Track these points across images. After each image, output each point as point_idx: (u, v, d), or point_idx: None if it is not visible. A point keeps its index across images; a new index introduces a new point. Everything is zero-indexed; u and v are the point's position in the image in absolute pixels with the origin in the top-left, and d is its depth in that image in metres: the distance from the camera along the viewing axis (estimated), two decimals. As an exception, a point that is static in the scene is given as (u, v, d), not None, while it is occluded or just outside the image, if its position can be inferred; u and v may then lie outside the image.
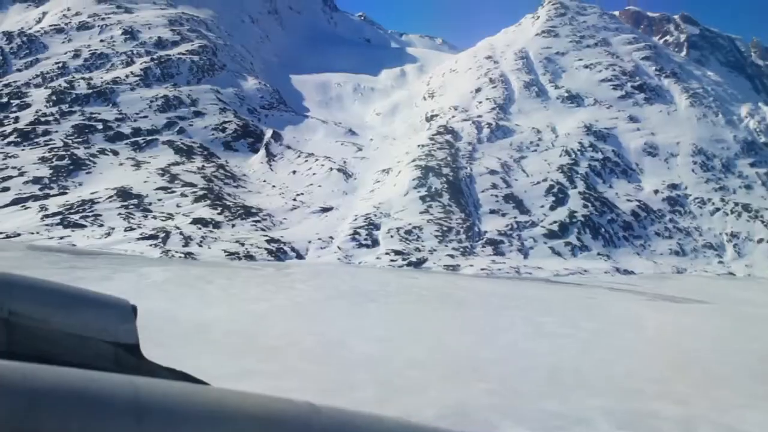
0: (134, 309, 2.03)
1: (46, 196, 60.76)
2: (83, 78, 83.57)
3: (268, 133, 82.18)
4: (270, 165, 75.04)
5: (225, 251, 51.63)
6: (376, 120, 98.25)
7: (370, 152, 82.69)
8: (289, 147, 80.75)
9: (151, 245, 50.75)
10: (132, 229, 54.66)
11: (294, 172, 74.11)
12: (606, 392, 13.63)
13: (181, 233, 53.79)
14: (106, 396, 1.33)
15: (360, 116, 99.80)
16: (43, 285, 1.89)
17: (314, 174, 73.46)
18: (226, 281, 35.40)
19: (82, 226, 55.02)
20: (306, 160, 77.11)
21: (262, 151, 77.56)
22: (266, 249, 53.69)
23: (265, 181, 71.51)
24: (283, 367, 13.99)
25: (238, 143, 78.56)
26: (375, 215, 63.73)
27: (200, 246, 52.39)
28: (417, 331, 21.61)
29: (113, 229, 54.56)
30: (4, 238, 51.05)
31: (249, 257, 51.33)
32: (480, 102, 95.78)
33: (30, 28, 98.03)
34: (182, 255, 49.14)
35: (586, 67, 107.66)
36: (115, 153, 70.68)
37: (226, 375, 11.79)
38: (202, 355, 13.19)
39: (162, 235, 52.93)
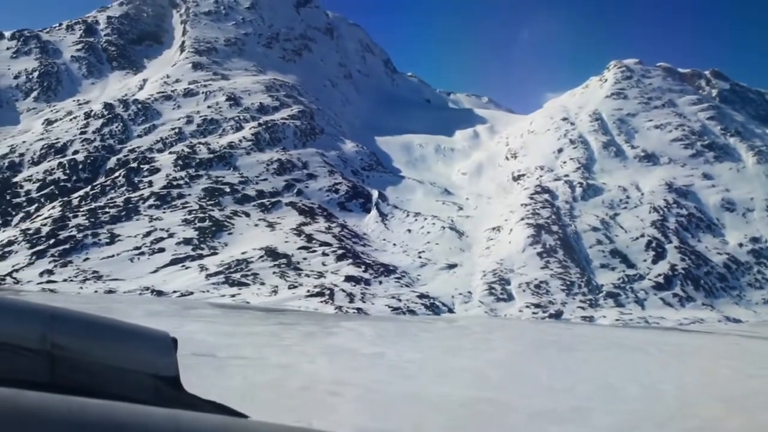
0: (175, 342, 2.09)
1: (201, 256, 66.12)
2: (200, 143, 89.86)
3: (375, 193, 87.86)
4: (385, 224, 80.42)
5: (389, 306, 56.63)
6: (463, 179, 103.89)
7: (471, 211, 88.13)
8: (396, 207, 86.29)
9: (321, 302, 55.69)
10: (294, 287, 59.78)
11: (409, 230, 79.39)
12: None
13: (342, 290, 58.83)
14: (148, 429, 1.37)
15: (446, 176, 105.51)
16: (85, 318, 1.95)
17: (428, 233, 78.71)
18: (426, 334, 40.30)
19: (246, 284, 60.23)
20: (416, 219, 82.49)
21: (374, 211, 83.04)
22: (422, 304, 58.70)
23: (384, 239, 76.77)
24: (600, 404, 17.72)
25: (351, 203, 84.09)
26: (501, 271, 68.74)
27: (363, 302, 57.37)
28: (648, 374, 26.04)
29: (277, 287, 59.74)
30: (179, 296, 56.31)
31: (411, 311, 56.24)
32: (564, 162, 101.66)
33: (134, 95, 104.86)
34: (354, 311, 54.05)
35: (657, 127, 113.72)
36: (246, 214, 76.26)
37: (577, 409, 15.80)
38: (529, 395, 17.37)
39: (327, 292, 57.95)
